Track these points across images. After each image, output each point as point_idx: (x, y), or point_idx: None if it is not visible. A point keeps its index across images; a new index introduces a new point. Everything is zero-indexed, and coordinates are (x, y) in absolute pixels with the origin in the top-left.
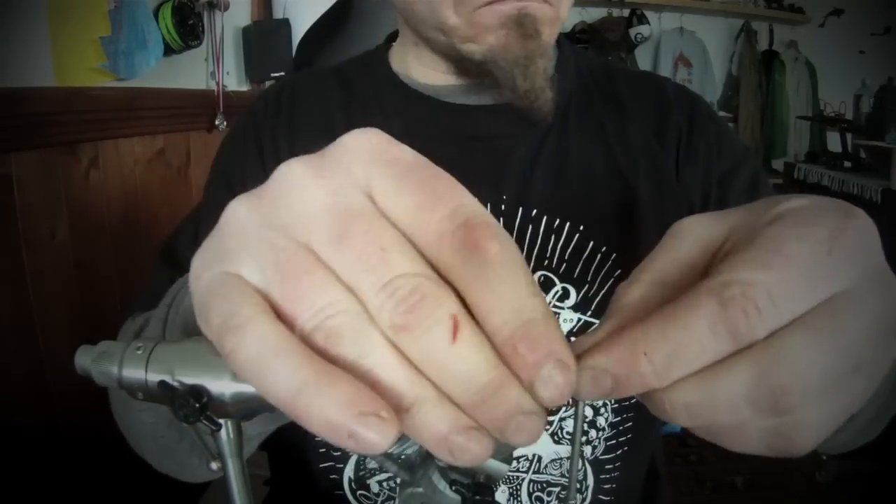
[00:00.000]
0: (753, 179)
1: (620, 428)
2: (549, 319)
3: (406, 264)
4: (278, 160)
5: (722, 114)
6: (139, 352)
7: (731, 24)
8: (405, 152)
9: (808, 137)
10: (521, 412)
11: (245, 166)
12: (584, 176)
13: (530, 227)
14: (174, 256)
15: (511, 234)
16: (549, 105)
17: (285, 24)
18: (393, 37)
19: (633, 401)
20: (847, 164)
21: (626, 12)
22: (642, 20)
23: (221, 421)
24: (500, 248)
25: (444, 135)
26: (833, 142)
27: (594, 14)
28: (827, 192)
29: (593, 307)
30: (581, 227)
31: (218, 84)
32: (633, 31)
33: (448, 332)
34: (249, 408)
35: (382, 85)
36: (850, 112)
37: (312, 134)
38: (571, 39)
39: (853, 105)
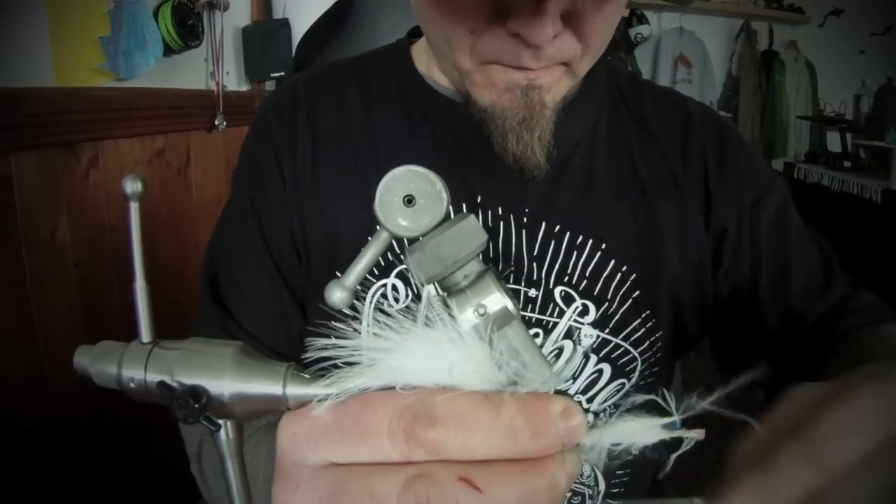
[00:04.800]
0: (780, 208)
1: None
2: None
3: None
4: (303, 166)
5: (722, 114)
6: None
7: (731, 24)
8: (318, 416)
9: (808, 137)
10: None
11: (266, 190)
12: (609, 195)
13: (552, 242)
14: (218, 291)
15: (533, 248)
16: (537, 169)
17: (285, 24)
18: (415, 31)
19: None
20: (847, 164)
21: (626, 12)
22: (642, 20)
23: (221, 421)
24: (441, 431)
25: (471, 143)
26: (833, 142)
27: None
28: (827, 191)
29: (612, 325)
30: (603, 246)
31: (218, 84)
32: (632, 31)
33: (470, 489)
34: (249, 408)
35: (407, 86)
36: (850, 112)
37: (333, 136)
38: None
39: (853, 105)
